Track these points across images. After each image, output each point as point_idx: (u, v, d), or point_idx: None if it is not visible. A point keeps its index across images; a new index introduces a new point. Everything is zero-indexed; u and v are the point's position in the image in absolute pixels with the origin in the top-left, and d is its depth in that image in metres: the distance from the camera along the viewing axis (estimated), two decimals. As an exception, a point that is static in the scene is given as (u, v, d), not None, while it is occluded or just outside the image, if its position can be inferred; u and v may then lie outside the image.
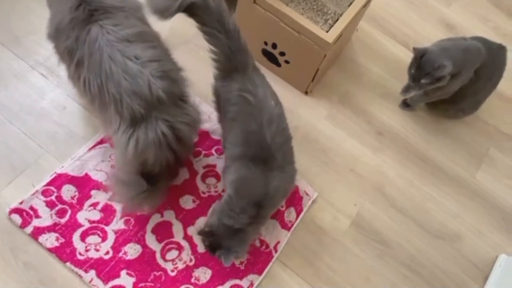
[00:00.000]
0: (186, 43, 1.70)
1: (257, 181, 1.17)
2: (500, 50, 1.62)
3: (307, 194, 1.48)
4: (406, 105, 1.73)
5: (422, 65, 1.48)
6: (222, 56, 1.23)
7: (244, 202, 1.16)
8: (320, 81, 1.72)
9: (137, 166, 1.16)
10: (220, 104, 1.30)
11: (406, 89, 1.62)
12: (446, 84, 1.51)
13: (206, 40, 1.23)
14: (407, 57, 1.66)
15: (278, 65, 1.67)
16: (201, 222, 1.37)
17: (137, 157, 1.12)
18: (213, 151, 1.50)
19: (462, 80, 1.58)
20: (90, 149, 1.41)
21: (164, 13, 1.16)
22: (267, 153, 1.17)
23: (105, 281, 1.23)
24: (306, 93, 1.69)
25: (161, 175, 1.22)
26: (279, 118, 1.22)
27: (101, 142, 1.42)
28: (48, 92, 1.48)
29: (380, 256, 1.44)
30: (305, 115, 1.65)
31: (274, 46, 1.61)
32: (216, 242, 1.16)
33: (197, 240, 1.32)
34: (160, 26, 1.66)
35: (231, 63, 1.23)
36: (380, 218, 1.50)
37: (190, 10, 1.17)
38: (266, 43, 1.62)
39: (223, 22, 1.18)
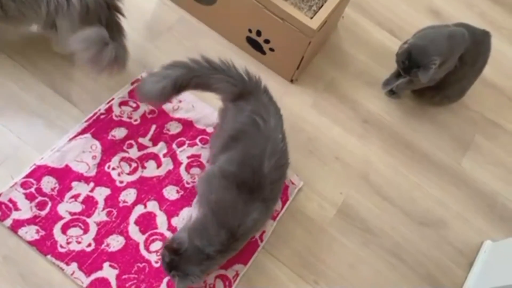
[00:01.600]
0: (168, 31, 1.67)
1: (238, 209, 1.12)
2: (484, 36, 1.62)
3: (292, 183, 1.47)
4: (392, 92, 1.73)
5: (410, 61, 1.48)
6: (230, 92, 1.24)
7: (219, 227, 1.10)
8: (305, 69, 1.70)
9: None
10: (224, 120, 1.29)
11: (386, 83, 1.63)
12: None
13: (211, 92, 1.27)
14: (393, 44, 1.66)
15: (263, 52, 1.64)
16: (185, 213, 1.35)
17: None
18: (197, 141, 1.48)
19: (447, 67, 1.58)
20: (71, 139, 1.37)
21: (159, 98, 1.23)
22: (258, 183, 1.13)
23: (87, 273, 1.21)
24: (291, 81, 1.68)
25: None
26: (282, 154, 1.19)
27: (81, 132, 1.39)
28: (27, 81, 1.44)
29: (365, 244, 1.44)
30: (290, 103, 1.63)
31: (259, 33, 1.58)
32: (178, 262, 1.09)
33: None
34: (142, 14, 1.64)
35: (241, 91, 1.23)
36: (366, 206, 1.50)
37: (184, 85, 1.21)
38: (250, 31, 1.60)
39: (215, 68, 1.22)
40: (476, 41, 1.58)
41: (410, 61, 1.49)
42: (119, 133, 1.43)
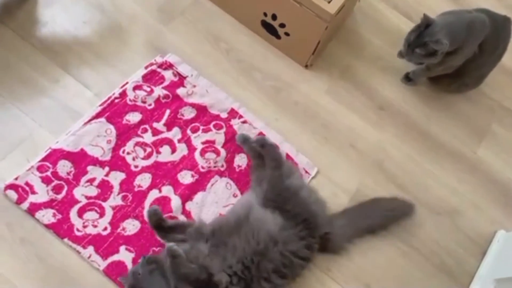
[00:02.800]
0: (182, 14, 1.64)
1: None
2: (505, 22, 1.57)
3: (306, 171, 1.46)
4: (408, 79, 1.70)
5: (423, 35, 1.44)
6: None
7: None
8: (320, 54, 1.67)
9: None
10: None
11: (401, 53, 1.59)
12: (441, 60, 1.48)
13: None
14: (409, 29, 1.61)
15: (278, 37, 1.62)
16: (199, 197, 1.35)
17: None
18: (211, 126, 1.47)
19: (465, 55, 1.54)
20: (85, 123, 1.37)
21: None
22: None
23: (104, 257, 1.22)
24: (306, 66, 1.65)
25: None
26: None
27: (96, 116, 1.39)
28: (41, 64, 1.44)
29: (378, 232, 1.44)
30: (305, 89, 1.62)
31: (274, 17, 1.55)
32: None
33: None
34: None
35: None
36: (379, 194, 1.48)
37: None
38: (265, 14, 1.57)
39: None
40: (496, 27, 1.54)
41: (419, 36, 1.45)
42: (133, 117, 1.42)
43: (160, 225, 1.23)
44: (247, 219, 1.21)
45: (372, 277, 1.37)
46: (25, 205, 1.23)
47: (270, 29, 1.62)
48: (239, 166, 1.43)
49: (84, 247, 1.22)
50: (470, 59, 1.56)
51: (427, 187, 1.54)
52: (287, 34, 1.58)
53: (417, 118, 1.66)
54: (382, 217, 1.40)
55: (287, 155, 1.47)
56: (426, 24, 1.45)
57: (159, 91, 1.48)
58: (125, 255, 1.24)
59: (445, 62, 1.51)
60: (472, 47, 1.53)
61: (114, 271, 1.21)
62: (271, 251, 1.17)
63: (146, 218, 1.26)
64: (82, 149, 1.34)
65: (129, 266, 1.22)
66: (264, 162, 1.38)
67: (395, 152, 1.57)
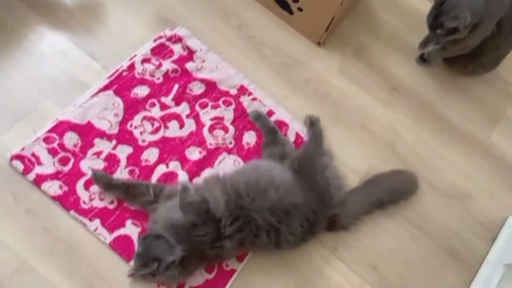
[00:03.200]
0: (193, -13, 1.60)
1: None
2: (526, 1, 1.51)
3: (316, 149, 1.44)
4: (422, 60, 1.65)
5: (440, 14, 1.40)
6: None
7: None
8: (334, 32, 1.63)
9: None
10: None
11: (424, 43, 1.54)
12: (463, 37, 1.43)
13: None
14: (427, 8, 1.56)
15: (291, 12, 1.57)
16: (206, 173, 1.33)
17: None
18: (220, 102, 1.44)
19: (482, 33, 1.49)
20: (93, 96, 1.35)
21: None
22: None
23: (110, 230, 1.21)
24: (318, 44, 1.61)
25: None
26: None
27: (103, 89, 1.36)
28: (47, 34, 1.41)
29: (387, 214, 1.41)
30: (317, 67, 1.58)
31: (287, -9, 1.51)
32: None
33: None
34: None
35: None
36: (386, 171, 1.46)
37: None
38: (278, -12, 1.52)
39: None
40: (516, 6, 1.49)
41: (436, 16, 1.40)
42: (141, 91, 1.39)
43: (110, 184, 1.22)
44: (253, 167, 1.25)
45: (379, 258, 1.35)
46: (31, 176, 1.22)
47: (283, 4, 1.57)
48: (247, 143, 1.41)
49: (90, 220, 1.21)
50: (487, 39, 1.50)
51: (439, 170, 1.51)
52: (300, 9, 1.53)
53: (430, 99, 1.62)
54: (386, 190, 1.38)
55: (297, 134, 1.44)
56: (440, 3, 1.40)
57: (167, 65, 1.44)
58: (131, 229, 1.22)
59: (462, 41, 1.46)
60: (490, 24, 1.47)
61: (120, 245, 1.20)
62: (269, 193, 1.16)
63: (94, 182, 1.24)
64: (89, 122, 1.32)
65: (135, 240, 1.21)
66: (276, 139, 1.36)
67: (407, 133, 1.54)
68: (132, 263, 1.16)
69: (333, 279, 1.29)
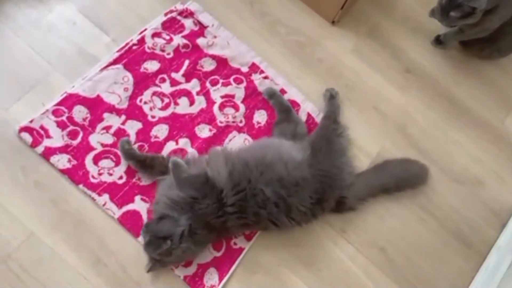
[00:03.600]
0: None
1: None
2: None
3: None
4: (438, 42, 1.62)
5: None
6: None
7: None
8: (349, 11, 1.59)
9: None
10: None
11: (433, 12, 1.49)
12: (477, 21, 1.39)
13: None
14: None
15: (305, -11, 1.53)
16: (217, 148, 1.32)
17: None
18: (231, 80, 1.42)
19: (502, 17, 1.45)
20: (102, 69, 1.32)
21: None
22: None
23: (119, 205, 1.20)
24: (333, 23, 1.57)
25: None
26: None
27: (113, 62, 1.34)
28: (56, 4, 1.37)
29: (396, 198, 1.39)
30: (330, 47, 1.55)
31: (303, -33, 1.47)
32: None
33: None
34: None
35: None
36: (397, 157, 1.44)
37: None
38: (294, -36, 1.48)
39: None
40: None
41: None
42: (151, 66, 1.37)
43: (133, 155, 1.22)
44: (262, 144, 1.25)
45: (387, 241, 1.34)
46: (40, 148, 1.21)
47: (297, -20, 1.53)
48: (258, 122, 1.39)
49: (99, 195, 1.20)
50: (506, 22, 1.46)
51: (450, 154, 1.49)
52: (315, -14, 1.49)
53: (445, 83, 1.58)
54: (394, 176, 1.37)
55: (309, 115, 1.42)
56: None
57: (178, 39, 1.41)
58: (140, 205, 1.22)
59: (480, 24, 1.42)
60: (508, 7, 1.43)
61: (128, 220, 1.20)
62: (277, 167, 1.16)
63: (119, 148, 1.24)
64: (98, 95, 1.30)
65: (144, 216, 1.21)
66: (290, 117, 1.34)
67: (419, 117, 1.52)
68: (142, 249, 1.14)
69: (340, 260, 1.29)
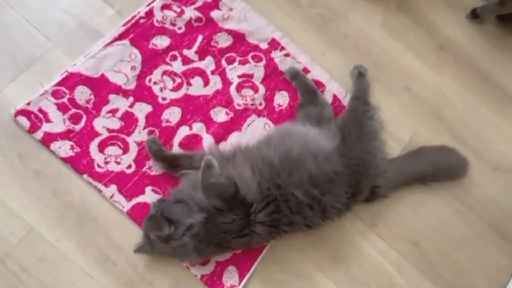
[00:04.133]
0: None
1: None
2: None
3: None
4: (474, 16, 1.48)
5: None
6: None
7: None
8: (377, -19, 1.45)
9: None
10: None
11: None
12: None
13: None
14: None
15: (330, -44, 1.39)
16: (234, 138, 1.19)
17: None
18: (249, 58, 1.29)
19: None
20: (107, 45, 1.20)
21: None
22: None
23: (128, 197, 1.09)
24: (359, -6, 1.44)
25: None
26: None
27: (119, 38, 1.21)
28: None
29: (431, 187, 1.28)
30: (357, 21, 1.43)
31: None
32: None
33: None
34: None
35: None
36: (434, 144, 1.32)
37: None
38: None
39: None
40: None
41: None
42: (161, 42, 1.24)
43: (162, 155, 1.11)
44: (282, 134, 1.11)
45: (421, 235, 1.25)
46: (39, 134, 1.09)
47: None
48: (279, 105, 1.26)
49: (106, 186, 1.09)
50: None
51: (488, 139, 1.38)
52: (341, -48, 1.35)
53: (481, 61, 1.47)
54: (431, 165, 1.26)
55: (334, 96, 1.30)
56: None
57: (190, 12, 1.28)
58: (151, 197, 1.11)
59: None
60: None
61: (139, 213, 1.09)
62: (306, 162, 1.04)
63: (147, 148, 1.13)
64: (102, 75, 1.17)
65: (156, 209, 1.09)
66: (315, 100, 1.22)
67: (454, 98, 1.40)
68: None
69: (370, 256, 1.20)
